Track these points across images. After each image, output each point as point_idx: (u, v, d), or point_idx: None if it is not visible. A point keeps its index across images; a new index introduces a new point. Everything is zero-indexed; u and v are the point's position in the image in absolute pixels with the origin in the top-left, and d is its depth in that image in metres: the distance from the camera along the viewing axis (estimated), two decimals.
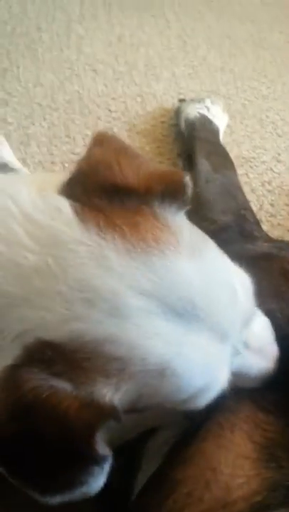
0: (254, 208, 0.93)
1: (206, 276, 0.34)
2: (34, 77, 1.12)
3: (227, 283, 0.36)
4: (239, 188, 0.72)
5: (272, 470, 0.40)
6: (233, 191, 0.69)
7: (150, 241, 0.32)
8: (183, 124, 0.97)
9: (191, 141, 0.89)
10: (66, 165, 0.95)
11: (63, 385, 0.30)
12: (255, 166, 1.00)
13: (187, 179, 0.36)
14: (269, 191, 0.96)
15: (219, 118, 0.99)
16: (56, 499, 0.32)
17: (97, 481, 0.33)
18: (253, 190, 0.95)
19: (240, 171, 0.97)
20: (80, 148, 0.98)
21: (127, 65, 1.19)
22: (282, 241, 0.65)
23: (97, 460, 0.32)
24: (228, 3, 1.45)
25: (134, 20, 1.36)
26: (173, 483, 0.40)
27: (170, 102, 1.11)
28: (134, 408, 0.33)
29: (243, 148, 1.03)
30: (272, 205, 0.94)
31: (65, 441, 0.30)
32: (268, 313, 0.44)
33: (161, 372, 0.32)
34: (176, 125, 1.04)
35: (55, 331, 0.30)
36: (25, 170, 0.83)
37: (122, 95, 1.11)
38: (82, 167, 0.35)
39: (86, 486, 0.32)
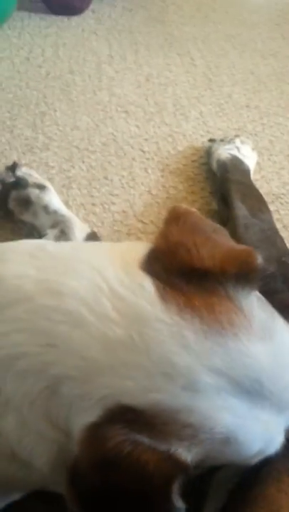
0: (288, 245, 0.97)
1: (274, 357, 0.37)
2: (71, 120, 1.19)
3: None
4: (277, 233, 0.76)
5: None
6: (272, 237, 0.73)
7: (225, 323, 0.35)
8: (215, 165, 1.02)
9: (224, 183, 0.93)
10: (106, 206, 1.01)
11: (143, 440, 0.34)
12: (286, 202, 1.04)
13: (260, 260, 0.39)
14: None
15: (249, 157, 1.04)
16: None
17: None
18: (285, 227, 0.99)
19: (271, 208, 1.02)
20: (118, 189, 1.04)
21: (156, 106, 1.25)
22: None
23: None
24: (250, 40, 1.51)
25: (161, 60, 1.42)
26: None
27: (199, 141, 1.16)
28: (201, 466, 0.37)
29: (273, 185, 1.07)
30: None
31: (144, 494, 0.34)
32: None
33: (226, 440, 0.36)
34: (207, 164, 1.09)
35: (136, 399, 0.34)
36: (74, 215, 0.89)
37: (154, 136, 1.17)
38: (161, 246, 0.39)
39: None
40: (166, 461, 0.34)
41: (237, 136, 1.10)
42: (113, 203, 1.02)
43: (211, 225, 0.43)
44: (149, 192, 1.05)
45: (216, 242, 0.39)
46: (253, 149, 1.08)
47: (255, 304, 0.39)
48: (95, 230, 0.95)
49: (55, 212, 0.85)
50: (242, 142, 1.06)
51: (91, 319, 0.36)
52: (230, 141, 1.06)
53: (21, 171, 0.91)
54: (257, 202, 0.85)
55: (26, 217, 0.86)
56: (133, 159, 1.11)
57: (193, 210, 0.45)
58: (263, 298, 0.43)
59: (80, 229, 0.83)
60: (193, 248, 0.37)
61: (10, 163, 0.94)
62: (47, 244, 0.43)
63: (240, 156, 1.01)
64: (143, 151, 1.13)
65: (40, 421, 0.36)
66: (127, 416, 0.34)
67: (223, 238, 0.41)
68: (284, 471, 0.47)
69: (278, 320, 0.41)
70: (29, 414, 0.36)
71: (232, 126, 1.22)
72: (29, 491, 0.45)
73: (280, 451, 0.43)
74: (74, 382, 0.35)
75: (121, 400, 0.34)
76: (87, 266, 0.38)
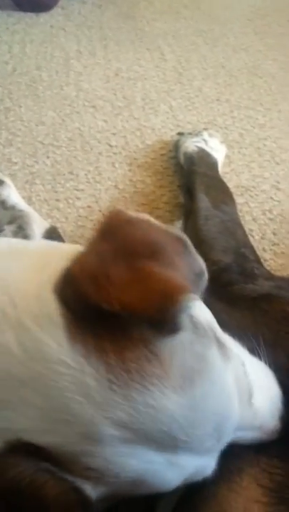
0: (256, 237, 0.95)
1: (190, 408, 0.33)
2: (36, 115, 1.16)
3: (217, 409, 0.35)
4: (239, 225, 0.74)
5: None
6: (233, 229, 0.70)
7: (134, 373, 0.31)
8: (182, 158, 0.99)
9: (190, 176, 0.91)
10: (70, 201, 0.98)
11: (49, 470, 0.31)
12: (256, 194, 1.02)
13: (184, 303, 0.31)
14: (271, 220, 0.98)
15: (217, 150, 1.01)
16: None
17: None
18: (254, 220, 0.97)
19: (240, 201, 1.00)
20: (83, 184, 1.01)
21: (125, 100, 1.23)
22: (282, 278, 0.66)
23: None
24: (222, 35, 1.49)
25: (130, 55, 1.40)
26: None
27: (169, 135, 1.14)
28: (115, 498, 0.35)
29: (243, 178, 1.05)
30: (274, 233, 0.95)
31: None
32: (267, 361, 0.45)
33: (134, 483, 0.34)
34: (176, 157, 1.06)
35: (35, 438, 0.32)
36: (33, 210, 0.86)
37: (122, 130, 1.14)
38: (74, 270, 0.32)
39: None
40: (68, 494, 0.32)
41: (205, 129, 1.08)
42: (78, 198, 0.98)
43: (153, 244, 0.35)
44: (116, 186, 1.02)
45: (136, 275, 0.32)
46: (221, 142, 1.05)
47: (179, 349, 0.33)
48: (58, 225, 0.91)
49: (12, 207, 0.82)
50: (210, 135, 1.04)
51: None
52: (198, 134, 1.04)
53: None
54: (221, 194, 0.83)
55: None
56: (100, 154, 1.08)
57: (141, 217, 0.37)
58: (195, 343, 0.35)
59: (38, 224, 0.80)
60: (103, 282, 0.31)
61: None
62: None
63: (208, 149, 0.99)
64: (110, 146, 1.10)
65: None
66: (30, 448, 0.32)
67: (153, 268, 0.32)
68: (235, 471, 0.44)
69: (206, 364, 0.35)
70: None
71: (202, 119, 1.20)
72: None
73: (231, 449, 0.41)
74: None
75: (21, 436, 0.32)
76: (0, 280, 0.35)
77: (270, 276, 0.60)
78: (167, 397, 0.32)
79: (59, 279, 0.33)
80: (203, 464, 0.37)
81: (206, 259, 0.65)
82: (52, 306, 0.32)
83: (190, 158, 0.96)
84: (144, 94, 1.26)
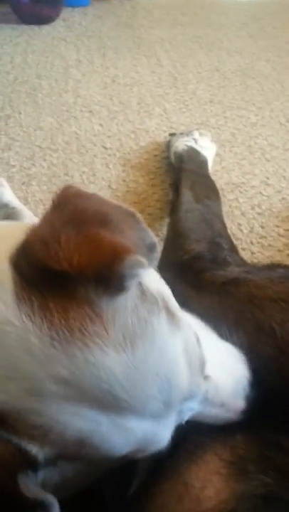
0: (245, 231, 0.97)
1: (131, 368, 0.34)
2: (35, 121, 1.21)
3: (160, 371, 0.36)
4: (217, 216, 0.75)
5: (241, 482, 0.43)
6: (211, 220, 0.72)
7: (75, 331, 0.32)
8: (172, 157, 1.02)
9: (179, 173, 0.94)
10: None
11: None
12: (245, 190, 1.04)
13: (129, 263, 0.33)
14: (259, 214, 0.99)
15: (207, 148, 1.04)
16: None
17: None
18: (243, 214, 0.99)
19: (230, 197, 1.02)
20: (77, 185, 1.05)
21: (121, 105, 1.27)
22: (254, 265, 0.67)
23: (31, 504, 0.33)
24: (216, 39, 1.53)
25: (128, 62, 1.44)
26: (148, 496, 0.43)
27: (162, 137, 1.17)
28: (63, 458, 0.36)
29: (233, 175, 1.07)
30: (262, 227, 0.97)
31: None
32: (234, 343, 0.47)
33: (80, 443, 0.34)
34: (168, 158, 1.10)
35: None
36: (25, 208, 0.90)
37: (117, 133, 1.18)
38: (29, 238, 0.34)
39: None
40: (13, 455, 0.33)
41: (197, 129, 1.10)
42: None
43: (103, 214, 0.36)
44: (110, 186, 1.05)
45: (85, 239, 0.33)
46: (211, 141, 1.08)
47: (122, 310, 0.35)
48: None
49: (6, 205, 0.86)
50: (200, 134, 1.07)
51: None
52: (189, 133, 1.07)
53: None
54: (206, 189, 0.85)
55: None
56: (95, 156, 1.12)
57: (90, 192, 0.39)
58: (142, 306, 0.36)
59: (30, 220, 0.84)
60: (54, 246, 0.33)
61: None
62: None
63: (198, 148, 1.02)
64: (105, 148, 1.14)
65: None
66: None
67: (102, 233, 0.34)
68: (199, 446, 0.46)
69: (151, 326, 0.36)
70: None
71: (195, 121, 1.23)
72: None
73: (198, 428, 0.42)
74: None
75: None
76: None
77: (242, 263, 0.62)
78: (106, 355, 0.33)
79: (15, 249, 0.35)
80: (151, 430, 0.37)
81: (180, 249, 0.68)
82: (5, 273, 0.34)
83: (180, 156, 0.99)
84: (140, 99, 1.29)
